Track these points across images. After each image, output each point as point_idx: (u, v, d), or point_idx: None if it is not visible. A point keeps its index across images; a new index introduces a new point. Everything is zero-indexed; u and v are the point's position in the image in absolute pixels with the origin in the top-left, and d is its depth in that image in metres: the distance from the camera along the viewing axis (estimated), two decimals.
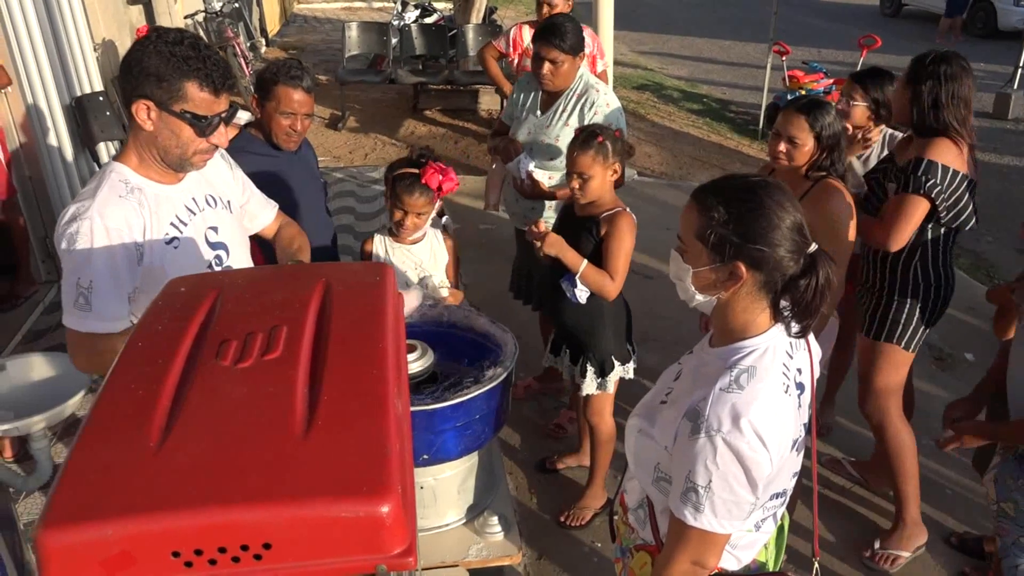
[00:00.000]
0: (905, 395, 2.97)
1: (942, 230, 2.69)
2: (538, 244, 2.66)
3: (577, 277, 2.69)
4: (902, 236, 2.65)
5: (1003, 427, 2.33)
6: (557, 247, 2.67)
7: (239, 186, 2.24)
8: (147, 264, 1.87)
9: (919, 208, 2.60)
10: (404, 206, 2.71)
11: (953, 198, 2.60)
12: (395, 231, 2.81)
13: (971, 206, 2.66)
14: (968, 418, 2.50)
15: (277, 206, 2.41)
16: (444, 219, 2.82)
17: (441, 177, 2.66)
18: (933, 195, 2.57)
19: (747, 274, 1.48)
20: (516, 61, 4.81)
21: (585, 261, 2.69)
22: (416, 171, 2.68)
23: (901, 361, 2.83)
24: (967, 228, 2.70)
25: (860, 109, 3.18)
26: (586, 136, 2.68)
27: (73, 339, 1.87)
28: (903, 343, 2.79)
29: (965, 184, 2.60)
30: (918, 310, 2.76)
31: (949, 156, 2.58)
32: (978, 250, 5.71)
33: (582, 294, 2.74)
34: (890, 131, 3.34)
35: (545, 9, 4.42)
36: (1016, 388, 2.33)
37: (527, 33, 4.68)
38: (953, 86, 2.59)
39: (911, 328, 2.78)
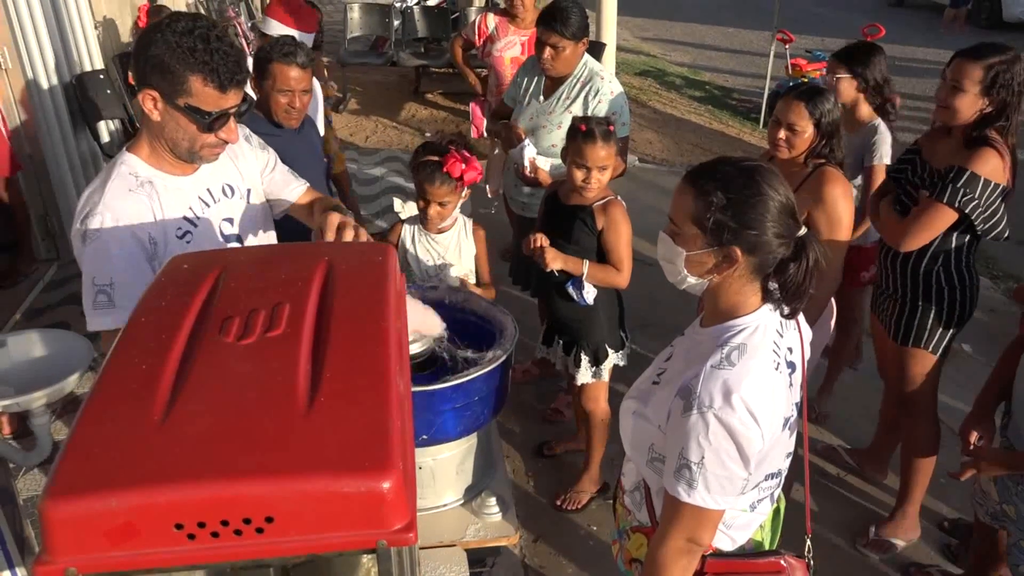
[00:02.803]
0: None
1: (967, 237, 2.61)
2: (542, 258, 2.65)
3: (584, 279, 2.69)
4: (918, 241, 2.58)
5: (1018, 458, 2.29)
6: (559, 260, 2.66)
7: (261, 163, 2.14)
8: (159, 259, 1.82)
9: (945, 219, 2.52)
10: (427, 195, 2.65)
11: (989, 210, 2.51)
12: (422, 220, 2.76)
13: (1005, 217, 2.56)
14: (987, 437, 2.43)
15: (307, 184, 2.27)
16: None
17: (464, 166, 2.59)
18: (967, 209, 2.47)
19: (742, 258, 1.49)
20: (481, 49, 4.77)
21: (587, 263, 2.69)
22: (437, 159, 2.62)
23: (929, 364, 2.78)
24: (1002, 239, 2.60)
25: (846, 82, 3.23)
26: (603, 127, 2.64)
27: (104, 339, 1.83)
28: (930, 347, 2.74)
29: (1002, 195, 2.50)
30: (944, 314, 2.69)
31: (992, 167, 2.46)
32: None
33: (589, 295, 2.74)
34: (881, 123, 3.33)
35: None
36: None
37: (491, 20, 4.69)
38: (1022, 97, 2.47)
39: (938, 332, 2.72)
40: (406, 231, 2.81)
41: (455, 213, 2.77)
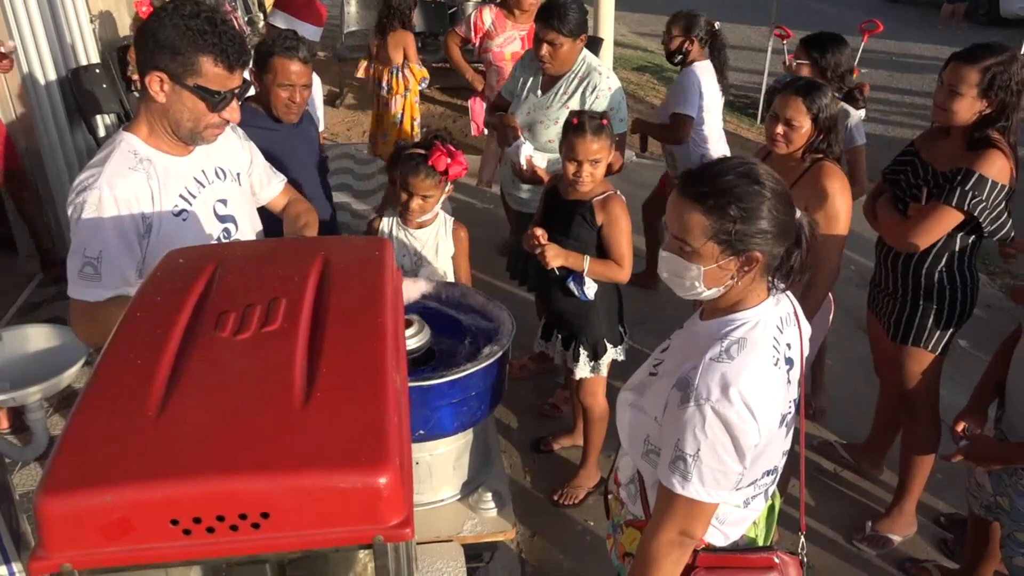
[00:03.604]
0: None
1: (971, 238, 2.60)
2: (542, 256, 2.64)
3: (585, 275, 2.69)
4: (925, 241, 2.56)
5: (1012, 449, 2.29)
6: (560, 257, 2.66)
7: (247, 156, 2.23)
8: (155, 237, 1.87)
9: (951, 220, 2.51)
10: (409, 187, 2.62)
11: (996, 211, 2.49)
12: (402, 213, 2.74)
13: (1010, 219, 2.55)
14: (978, 428, 2.43)
15: (285, 179, 2.40)
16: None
17: (449, 160, 2.57)
18: (976, 212, 2.46)
19: (762, 257, 1.51)
20: (478, 45, 4.65)
21: (587, 259, 2.69)
22: (423, 152, 2.60)
23: (928, 363, 2.77)
24: (1008, 240, 2.59)
25: (804, 69, 3.33)
26: (595, 121, 2.63)
27: (78, 309, 1.86)
28: (929, 346, 2.73)
29: (1007, 195, 2.49)
30: (945, 314, 2.68)
31: (999, 169, 2.45)
32: None
33: (590, 290, 2.74)
34: (845, 106, 3.41)
35: None
36: (1019, 406, 2.31)
37: (487, 15, 4.55)
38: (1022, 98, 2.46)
39: (937, 332, 2.71)
40: (386, 222, 2.79)
41: (436, 209, 2.76)
